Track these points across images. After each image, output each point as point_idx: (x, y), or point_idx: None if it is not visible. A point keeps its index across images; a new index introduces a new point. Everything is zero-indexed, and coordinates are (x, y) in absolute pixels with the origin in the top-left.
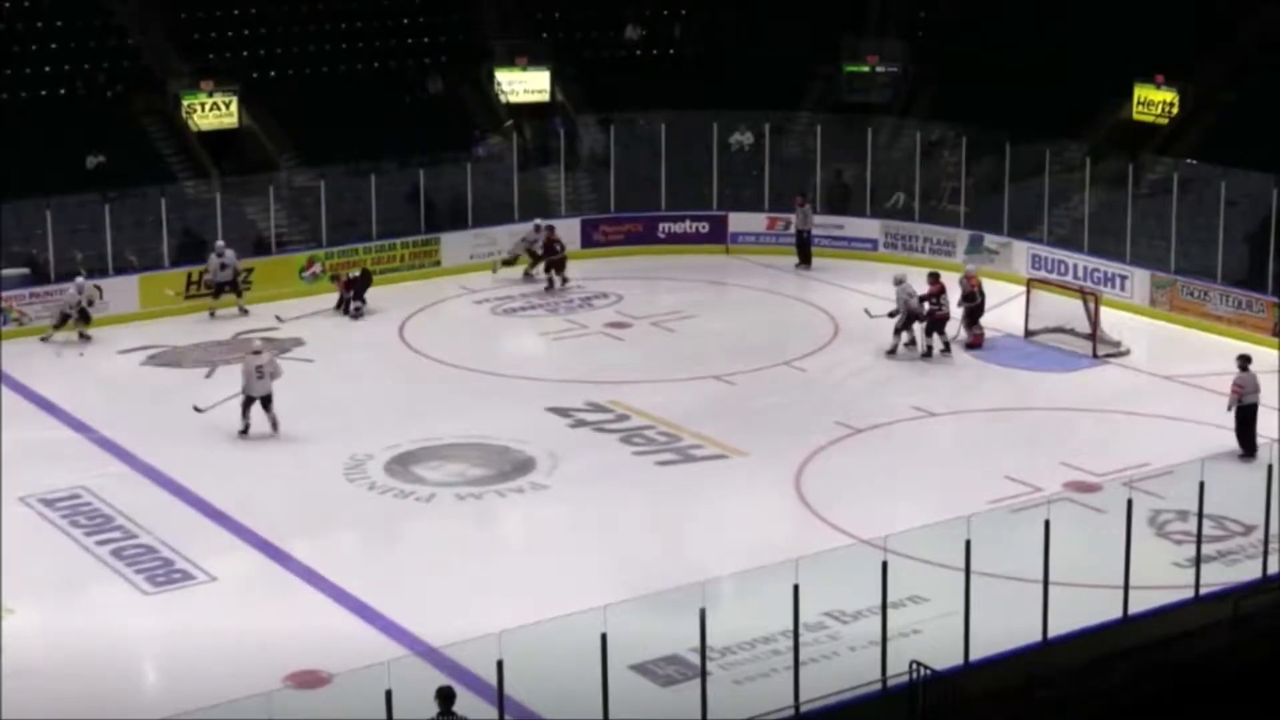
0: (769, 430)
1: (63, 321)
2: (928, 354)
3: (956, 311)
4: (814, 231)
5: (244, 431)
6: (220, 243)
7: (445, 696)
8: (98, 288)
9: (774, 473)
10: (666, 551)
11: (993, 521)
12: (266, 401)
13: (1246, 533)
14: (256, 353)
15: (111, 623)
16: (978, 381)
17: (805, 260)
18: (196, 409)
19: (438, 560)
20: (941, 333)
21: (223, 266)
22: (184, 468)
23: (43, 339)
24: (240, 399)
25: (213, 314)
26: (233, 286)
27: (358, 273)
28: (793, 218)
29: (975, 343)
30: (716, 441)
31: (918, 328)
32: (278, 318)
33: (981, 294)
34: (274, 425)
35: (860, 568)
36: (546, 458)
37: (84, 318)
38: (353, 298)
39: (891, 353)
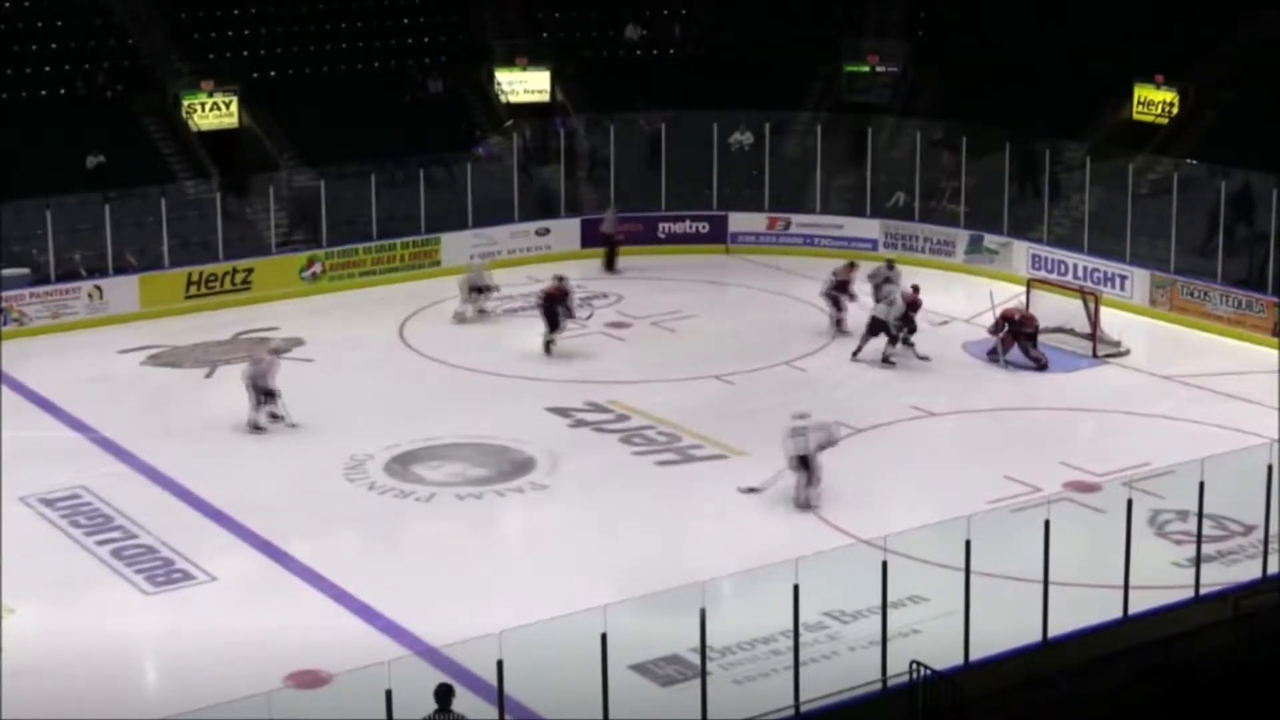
0: (769, 430)
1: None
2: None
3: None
4: (812, 232)
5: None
6: None
7: (443, 694)
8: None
9: (774, 473)
10: (666, 551)
11: (993, 521)
12: (271, 396)
13: (1246, 533)
14: (276, 352)
15: (111, 623)
16: (978, 381)
17: (610, 265)
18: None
19: (438, 560)
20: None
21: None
22: (184, 468)
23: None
24: (259, 395)
25: None
26: None
27: (552, 284)
28: (604, 218)
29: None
30: (716, 441)
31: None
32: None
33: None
34: (272, 418)
35: (860, 568)
36: (546, 458)
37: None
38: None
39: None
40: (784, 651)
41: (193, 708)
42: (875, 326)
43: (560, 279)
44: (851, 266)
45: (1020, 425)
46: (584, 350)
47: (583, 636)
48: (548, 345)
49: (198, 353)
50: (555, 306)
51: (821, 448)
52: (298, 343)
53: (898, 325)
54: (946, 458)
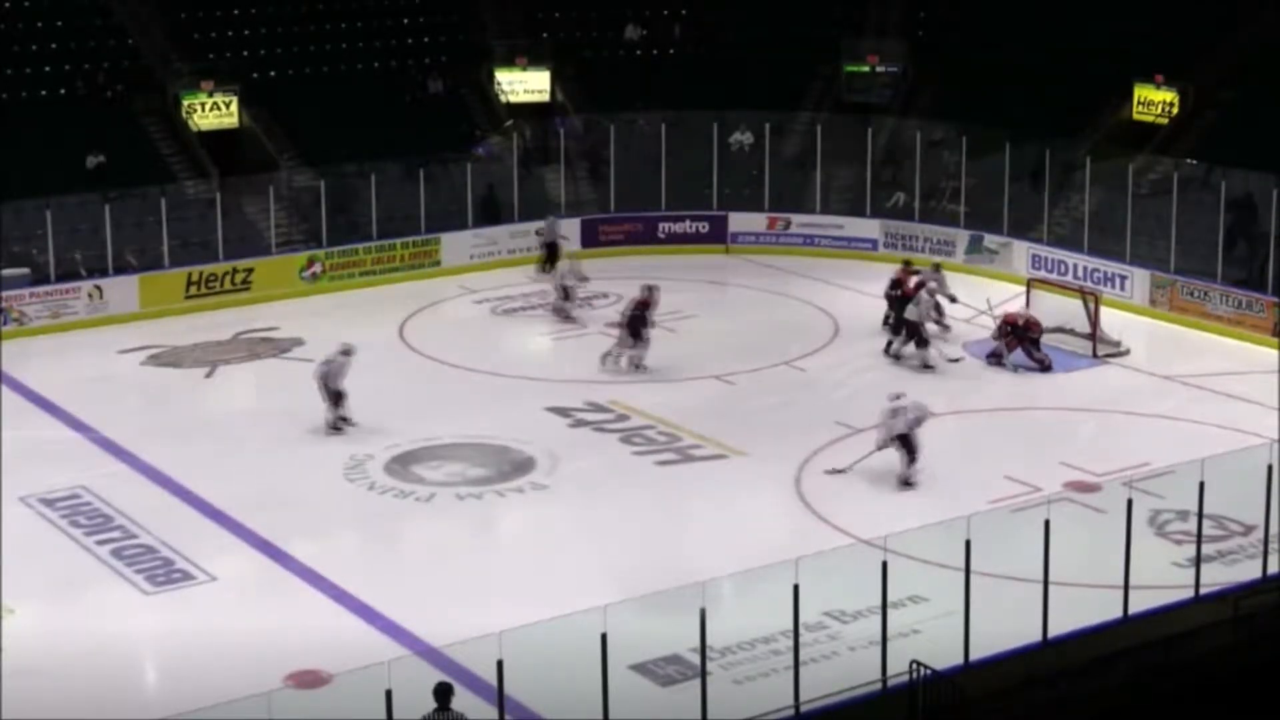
0: (769, 430)
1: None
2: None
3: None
4: (812, 232)
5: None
6: None
7: (442, 693)
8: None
9: (774, 473)
10: (667, 551)
11: (993, 521)
12: (340, 398)
13: (1246, 533)
14: (346, 353)
15: (111, 623)
16: (978, 382)
17: (549, 263)
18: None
19: (438, 560)
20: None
21: None
22: (184, 468)
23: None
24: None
25: None
26: None
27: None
28: (541, 226)
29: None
30: (716, 441)
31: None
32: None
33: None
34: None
35: (860, 568)
36: (546, 458)
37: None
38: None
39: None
40: (784, 651)
41: (193, 708)
42: (908, 329)
43: (651, 288)
44: (907, 266)
45: (1020, 425)
46: (584, 350)
47: (583, 636)
48: (634, 363)
49: (198, 353)
50: (644, 316)
51: (918, 424)
52: (298, 343)
53: (914, 326)
54: (946, 458)
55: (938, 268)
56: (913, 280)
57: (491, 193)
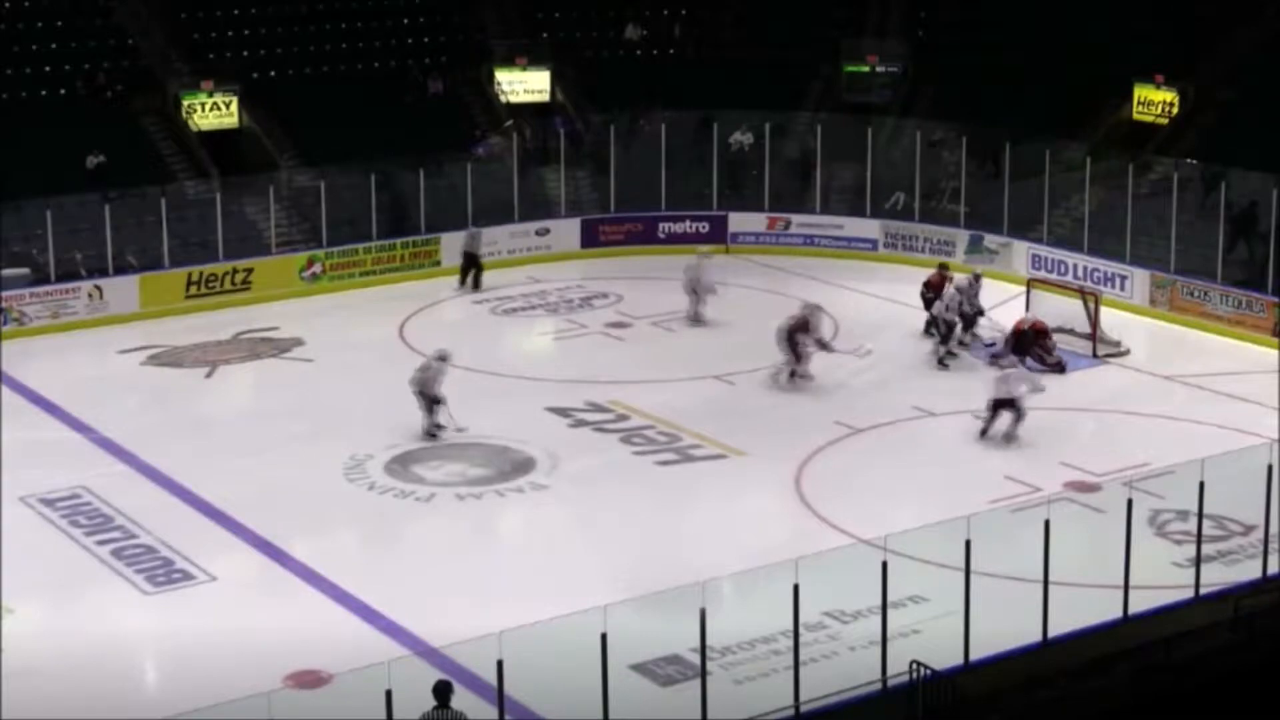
0: (769, 430)
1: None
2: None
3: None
4: (812, 232)
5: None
6: None
7: (442, 691)
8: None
9: (774, 473)
10: (666, 551)
11: (993, 521)
12: (437, 403)
13: (1246, 533)
14: (442, 358)
15: (111, 623)
16: (978, 382)
17: (469, 280)
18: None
19: (438, 560)
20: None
21: None
22: (184, 468)
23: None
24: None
25: None
26: None
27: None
28: (460, 238)
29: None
30: (716, 441)
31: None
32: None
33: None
34: (437, 428)
35: (860, 568)
36: (546, 458)
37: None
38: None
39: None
40: (784, 651)
41: (193, 708)
42: (941, 326)
43: (813, 307)
44: (943, 269)
45: (1020, 425)
46: (584, 350)
47: (583, 636)
48: (798, 375)
49: (198, 353)
50: (800, 337)
51: (1031, 392)
52: (298, 342)
53: (947, 325)
54: (946, 458)
55: (977, 277)
56: (948, 285)
57: (397, 199)
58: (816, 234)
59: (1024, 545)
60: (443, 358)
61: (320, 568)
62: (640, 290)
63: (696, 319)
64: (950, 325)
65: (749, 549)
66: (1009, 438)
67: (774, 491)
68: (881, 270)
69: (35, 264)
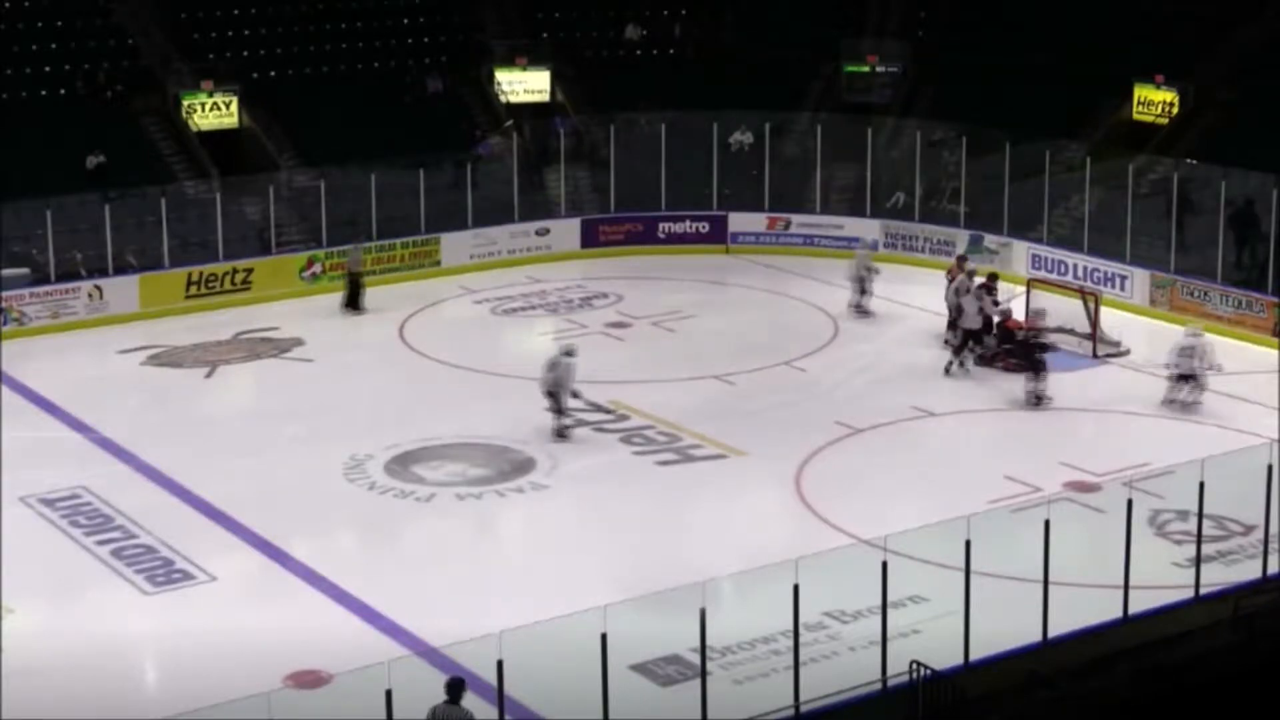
0: (769, 430)
1: None
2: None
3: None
4: (812, 232)
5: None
6: None
7: (454, 687)
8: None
9: (774, 473)
10: (666, 551)
11: (993, 521)
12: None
13: (1246, 533)
14: (570, 354)
15: (111, 623)
16: (978, 382)
17: (353, 303)
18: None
19: (438, 560)
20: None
21: None
22: (184, 468)
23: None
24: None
25: None
26: None
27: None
28: (346, 252)
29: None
30: (716, 441)
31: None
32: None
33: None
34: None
35: (860, 568)
36: (546, 458)
37: None
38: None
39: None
40: (784, 651)
41: (193, 708)
42: (967, 335)
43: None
44: (961, 260)
45: (1020, 425)
46: (584, 350)
47: (583, 636)
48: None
49: (198, 353)
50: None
51: (1208, 370)
52: (298, 342)
53: (965, 334)
54: (946, 458)
55: (994, 276)
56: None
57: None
58: (816, 234)
59: (1024, 545)
60: (570, 353)
61: (320, 568)
62: (640, 290)
63: (860, 310)
64: (969, 335)
65: (749, 549)
66: (1186, 405)
67: (774, 491)
68: (881, 270)
69: (35, 264)
